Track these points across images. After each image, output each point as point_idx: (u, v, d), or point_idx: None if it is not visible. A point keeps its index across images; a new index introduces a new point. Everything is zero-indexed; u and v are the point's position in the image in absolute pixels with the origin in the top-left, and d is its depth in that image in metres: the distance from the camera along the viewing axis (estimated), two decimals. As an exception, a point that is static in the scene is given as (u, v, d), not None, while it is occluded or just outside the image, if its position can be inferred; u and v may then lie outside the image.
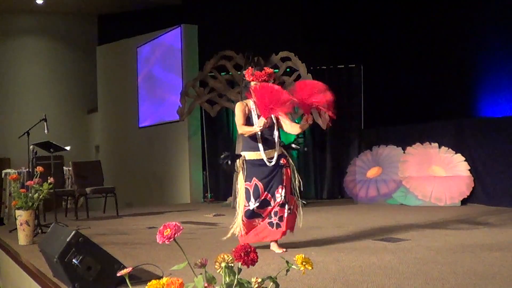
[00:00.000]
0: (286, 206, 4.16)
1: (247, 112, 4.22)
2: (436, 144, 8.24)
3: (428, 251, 4.04)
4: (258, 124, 4.07)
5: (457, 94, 8.65)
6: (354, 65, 10.04)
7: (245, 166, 4.20)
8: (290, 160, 4.28)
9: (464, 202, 7.77)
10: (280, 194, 4.14)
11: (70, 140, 11.09)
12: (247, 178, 4.18)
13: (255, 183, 4.15)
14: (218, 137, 10.33)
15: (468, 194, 7.74)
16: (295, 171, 4.29)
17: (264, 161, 4.15)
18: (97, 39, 13.50)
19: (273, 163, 4.15)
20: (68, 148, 6.67)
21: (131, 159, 11.88)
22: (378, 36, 9.57)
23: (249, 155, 4.21)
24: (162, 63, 11.12)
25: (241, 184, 4.24)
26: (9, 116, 12.74)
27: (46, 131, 6.34)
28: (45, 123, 6.35)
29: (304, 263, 1.66)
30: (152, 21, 11.63)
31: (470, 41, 8.43)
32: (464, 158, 7.89)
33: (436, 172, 8.07)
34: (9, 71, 13.06)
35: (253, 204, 4.13)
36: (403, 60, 9.14)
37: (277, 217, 4.14)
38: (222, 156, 4.36)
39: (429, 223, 5.78)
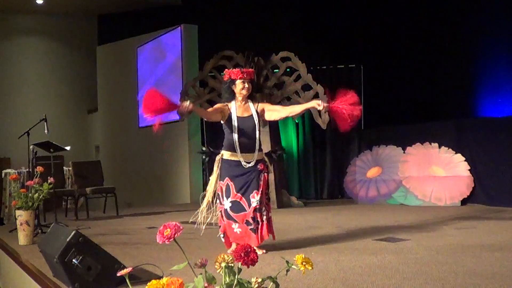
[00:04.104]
0: (263, 211, 4.13)
1: (225, 112, 4.20)
2: (436, 144, 8.24)
3: (428, 251, 4.04)
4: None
5: (457, 94, 8.65)
6: (354, 65, 10.04)
7: (221, 165, 4.19)
8: (270, 167, 4.27)
9: (464, 202, 7.77)
10: (255, 199, 4.09)
11: (70, 140, 11.08)
12: (221, 177, 4.18)
13: (227, 183, 4.13)
14: (218, 137, 10.32)
15: (468, 194, 7.74)
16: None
17: (241, 162, 4.13)
18: (97, 39, 13.49)
19: (250, 165, 4.12)
20: (68, 148, 6.67)
21: (131, 159, 11.88)
22: (378, 36, 9.57)
23: (226, 154, 4.19)
24: (162, 63, 11.12)
25: (213, 180, 4.24)
26: (9, 116, 12.73)
27: (46, 131, 6.34)
28: (45, 123, 6.35)
29: (304, 263, 1.66)
30: (152, 21, 11.63)
31: (470, 41, 8.43)
32: (464, 158, 7.89)
33: (436, 172, 8.07)
34: (9, 71, 13.05)
35: (227, 204, 4.11)
36: (403, 60, 9.15)
37: (255, 222, 4.10)
38: (201, 150, 4.40)
39: (429, 223, 5.78)
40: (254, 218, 4.10)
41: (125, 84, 12.18)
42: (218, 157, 4.23)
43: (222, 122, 4.27)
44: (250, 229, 4.09)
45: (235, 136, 4.14)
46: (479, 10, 8.28)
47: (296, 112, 4.44)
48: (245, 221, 4.10)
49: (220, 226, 4.25)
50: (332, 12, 10.28)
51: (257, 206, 4.09)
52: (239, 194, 4.10)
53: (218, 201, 4.21)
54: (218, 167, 4.21)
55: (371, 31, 9.67)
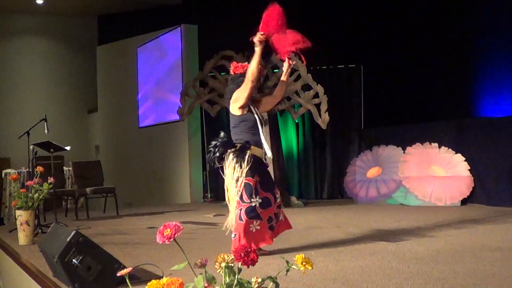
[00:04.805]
0: (281, 207, 4.15)
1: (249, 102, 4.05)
2: (436, 144, 8.24)
3: (428, 251, 4.04)
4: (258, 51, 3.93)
5: (457, 94, 8.65)
6: (354, 65, 10.05)
7: (252, 161, 3.92)
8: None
9: (464, 202, 7.77)
10: (278, 196, 4.10)
11: (70, 140, 11.08)
12: (250, 173, 3.91)
13: (257, 179, 3.96)
14: (217, 137, 10.32)
15: (468, 194, 7.74)
16: None
17: (262, 158, 4.04)
18: (97, 39, 13.49)
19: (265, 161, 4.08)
20: (68, 148, 6.68)
21: (131, 159, 11.88)
22: (378, 36, 9.57)
23: (255, 150, 4.00)
24: (162, 63, 11.12)
25: (239, 176, 3.92)
26: (9, 116, 12.73)
27: (46, 131, 6.34)
28: (45, 123, 6.35)
29: (304, 263, 1.66)
30: (152, 21, 11.63)
31: (470, 41, 8.43)
32: (464, 158, 7.89)
33: (436, 172, 8.07)
34: (9, 71, 13.05)
35: (256, 201, 3.90)
36: (403, 60, 9.14)
37: (276, 218, 4.07)
38: (215, 144, 3.98)
39: (429, 223, 5.78)
40: (276, 214, 4.07)
41: (125, 84, 12.19)
42: (249, 152, 3.93)
43: (241, 113, 4.05)
44: (269, 226, 4.00)
45: (260, 129, 4.02)
46: (479, 10, 8.28)
47: (283, 86, 4.34)
48: (268, 217, 3.98)
49: (234, 225, 3.96)
50: (331, 12, 10.27)
51: (280, 203, 4.11)
52: (267, 191, 4.01)
53: (240, 198, 3.92)
54: (248, 162, 3.90)
55: (371, 31, 9.67)
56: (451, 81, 8.66)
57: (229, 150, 3.96)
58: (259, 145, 4.04)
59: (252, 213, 3.91)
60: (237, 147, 3.96)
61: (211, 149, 4.03)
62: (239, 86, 4.09)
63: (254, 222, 3.91)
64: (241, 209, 3.92)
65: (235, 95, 4.09)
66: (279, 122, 9.82)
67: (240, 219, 3.90)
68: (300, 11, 11.09)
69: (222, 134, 4.05)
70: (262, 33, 3.91)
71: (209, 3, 10.77)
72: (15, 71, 13.09)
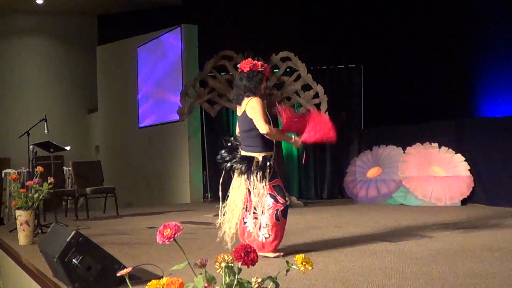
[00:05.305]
0: None
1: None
2: (436, 144, 8.24)
3: (428, 251, 4.05)
4: (296, 141, 4.04)
5: (457, 94, 8.65)
6: (354, 65, 10.05)
7: (272, 169, 3.95)
8: None
9: (464, 202, 7.77)
10: None
11: (70, 140, 11.08)
12: (276, 176, 3.99)
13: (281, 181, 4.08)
14: (218, 137, 10.32)
15: (468, 194, 7.74)
16: None
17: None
18: (97, 39, 13.49)
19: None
20: (68, 148, 6.67)
21: (131, 159, 11.88)
22: (378, 36, 9.57)
23: (271, 154, 4.04)
24: (162, 63, 11.11)
25: (260, 187, 3.90)
26: (9, 116, 12.73)
27: (46, 131, 6.34)
28: (45, 123, 6.35)
29: (304, 263, 1.66)
30: (152, 21, 11.63)
31: (470, 41, 8.43)
32: (464, 158, 7.89)
33: (436, 172, 8.07)
34: (9, 71, 13.04)
35: (289, 200, 4.03)
36: (403, 60, 9.14)
37: None
38: (222, 157, 4.02)
39: (429, 223, 5.78)
40: None
41: (125, 84, 12.18)
42: (269, 163, 3.94)
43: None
44: None
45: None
46: (479, 10, 8.28)
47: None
48: None
49: (269, 226, 3.92)
50: (332, 12, 10.28)
51: None
52: None
53: (275, 199, 3.92)
54: (270, 172, 3.92)
55: (371, 31, 9.67)
56: (451, 81, 8.66)
57: (253, 167, 3.92)
58: (273, 148, 4.07)
59: (286, 213, 4.00)
60: (259, 162, 3.93)
61: (228, 161, 4.04)
62: (257, 83, 4.06)
63: (286, 222, 4.04)
64: (277, 210, 3.93)
65: (255, 103, 3.95)
66: (279, 122, 9.83)
67: (277, 219, 3.93)
68: (300, 11, 11.10)
69: (238, 155, 4.00)
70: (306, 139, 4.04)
71: (209, 3, 10.78)
72: (15, 71, 13.09)
